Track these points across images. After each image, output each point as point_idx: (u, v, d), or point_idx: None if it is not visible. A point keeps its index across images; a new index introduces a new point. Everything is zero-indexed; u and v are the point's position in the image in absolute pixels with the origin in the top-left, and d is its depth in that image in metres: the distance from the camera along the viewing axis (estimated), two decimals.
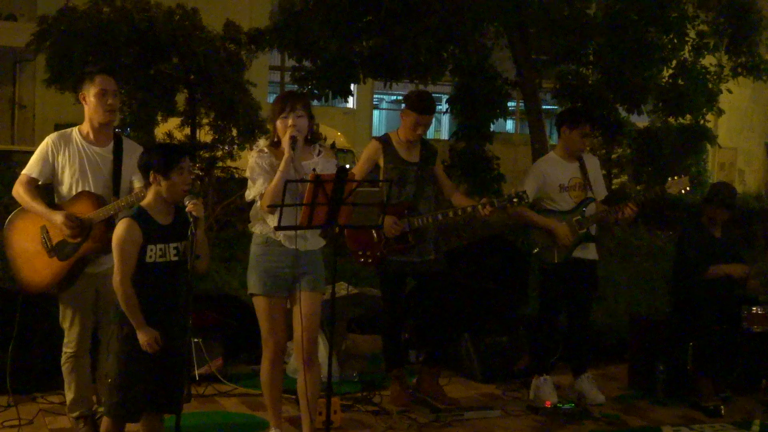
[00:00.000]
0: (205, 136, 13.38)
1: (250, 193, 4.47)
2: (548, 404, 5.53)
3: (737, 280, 6.00)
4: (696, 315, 5.91)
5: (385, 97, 29.99)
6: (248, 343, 5.99)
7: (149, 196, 4.02)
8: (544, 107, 14.47)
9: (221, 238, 9.19)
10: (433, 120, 5.97)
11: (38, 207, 4.49)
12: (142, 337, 3.88)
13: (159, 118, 13.03)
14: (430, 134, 6.31)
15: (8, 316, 4.80)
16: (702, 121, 14.05)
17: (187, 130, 13.01)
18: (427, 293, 5.59)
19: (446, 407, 5.44)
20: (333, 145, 15.37)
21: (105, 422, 4.03)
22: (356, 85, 14.06)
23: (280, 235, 4.42)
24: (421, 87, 12.64)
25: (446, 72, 13.76)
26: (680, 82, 13.30)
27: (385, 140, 5.52)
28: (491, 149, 13.98)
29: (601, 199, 5.83)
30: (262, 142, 4.62)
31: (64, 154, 4.54)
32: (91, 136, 4.61)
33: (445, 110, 13.94)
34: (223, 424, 5.18)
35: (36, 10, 16.80)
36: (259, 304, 4.52)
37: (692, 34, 13.24)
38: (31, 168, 4.57)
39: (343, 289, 6.04)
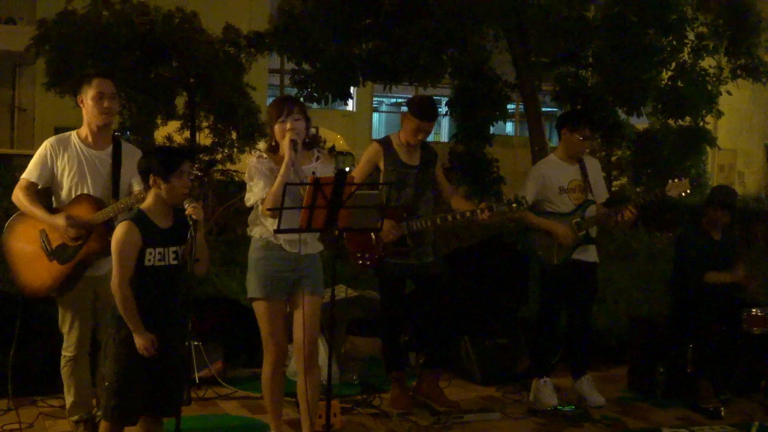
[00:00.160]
0: (204, 139, 13.41)
1: (250, 198, 4.47)
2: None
3: (737, 285, 6.01)
4: (696, 317, 5.91)
5: (384, 99, 30.01)
6: (248, 346, 5.99)
7: (149, 199, 4.02)
8: (543, 109, 14.46)
9: (221, 241, 9.18)
10: None
11: (38, 212, 4.49)
12: (139, 341, 3.88)
13: (159, 121, 13.06)
14: (430, 136, 6.30)
15: (9, 320, 4.80)
16: (701, 123, 14.04)
17: (187, 133, 13.03)
18: (426, 295, 5.59)
19: (446, 410, 5.43)
20: (333, 148, 15.38)
21: (102, 426, 4.03)
22: (356, 88, 14.06)
23: (281, 239, 4.43)
24: (421, 90, 12.66)
25: (446, 74, 13.77)
26: (680, 84, 13.29)
27: (385, 143, 5.53)
28: (491, 152, 13.97)
29: (602, 202, 5.84)
30: (261, 145, 4.63)
31: (63, 157, 4.54)
32: (90, 139, 4.61)
33: (444, 113, 13.94)
34: (223, 427, 5.17)
35: (36, 14, 16.84)
36: (260, 308, 4.52)
37: (691, 36, 13.24)
38: (31, 172, 4.57)
39: (341, 291, 6.05)
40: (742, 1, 13.11)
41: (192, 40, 12.43)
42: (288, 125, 4.41)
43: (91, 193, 4.53)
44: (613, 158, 15.71)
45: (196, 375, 5.70)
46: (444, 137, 26.36)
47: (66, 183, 4.54)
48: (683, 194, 5.60)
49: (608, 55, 12.50)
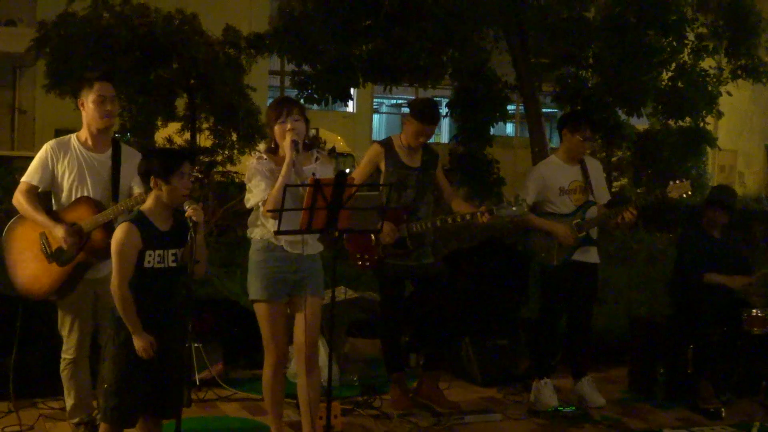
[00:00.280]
0: (205, 140, 13.40)
1: (251, 200, 4.46)
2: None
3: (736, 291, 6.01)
4: (696, 317, 5.91)
5: (385, 100, 29.97)
6: (248, 347, 5.99)
7: (149, 201, 4.02)
8: (543, 110, 14.46)
9: (221, 242, 9.18)
10: None
11: (40, 217, 4.50)
12: (138, 343, 3.88)
13: (159, 122, 13.06)
14: (430, 138, 6.33)
15: (9, 322, 4.80)
16: (702, 124, 14.04)
17: (187, 135, 13.02)
18: (426, 297, 5.59)
19: (447, 411, 5.43)
20: (333, 150, 15.39)
21: (102, 428, 4.04)
22: (356, 89, 14.07)
23: (282, 240, 4.42)
24: (421, 91, 12.67)
25: (446, 75, 13.77)
26: (680, 84, 13.31)
27: (386, 144, 5.53)
28: (491, 152, 13.98)
29: (603, 203, 5.83)
30: (261, 147, 4.62)
31: (63, 161, 4.55)
32: (90, 142, 4.61)
33: (444, 114, 13.95)
34: (224, 428, 5.18)
35: (36, 16, 16.83)
36: (261, 310, 4.51)
37: (691, 36, 13.25)
38: (31, 175, 4.57)
39: (341, 293, 6.05)
40: (742, 1, 13.11)
41: (192, 41, 12.43)
42: (288, 126, 4.40)
43: (91, 195, 4.53)
44: (614, 159, 15.70)
45: (197, 377, 5.69)
46: (444, 138, 26.35)
47: (66, 186, 4.55)
48: (684, 196, 5.60)
49: (608, 55, 12.52)
